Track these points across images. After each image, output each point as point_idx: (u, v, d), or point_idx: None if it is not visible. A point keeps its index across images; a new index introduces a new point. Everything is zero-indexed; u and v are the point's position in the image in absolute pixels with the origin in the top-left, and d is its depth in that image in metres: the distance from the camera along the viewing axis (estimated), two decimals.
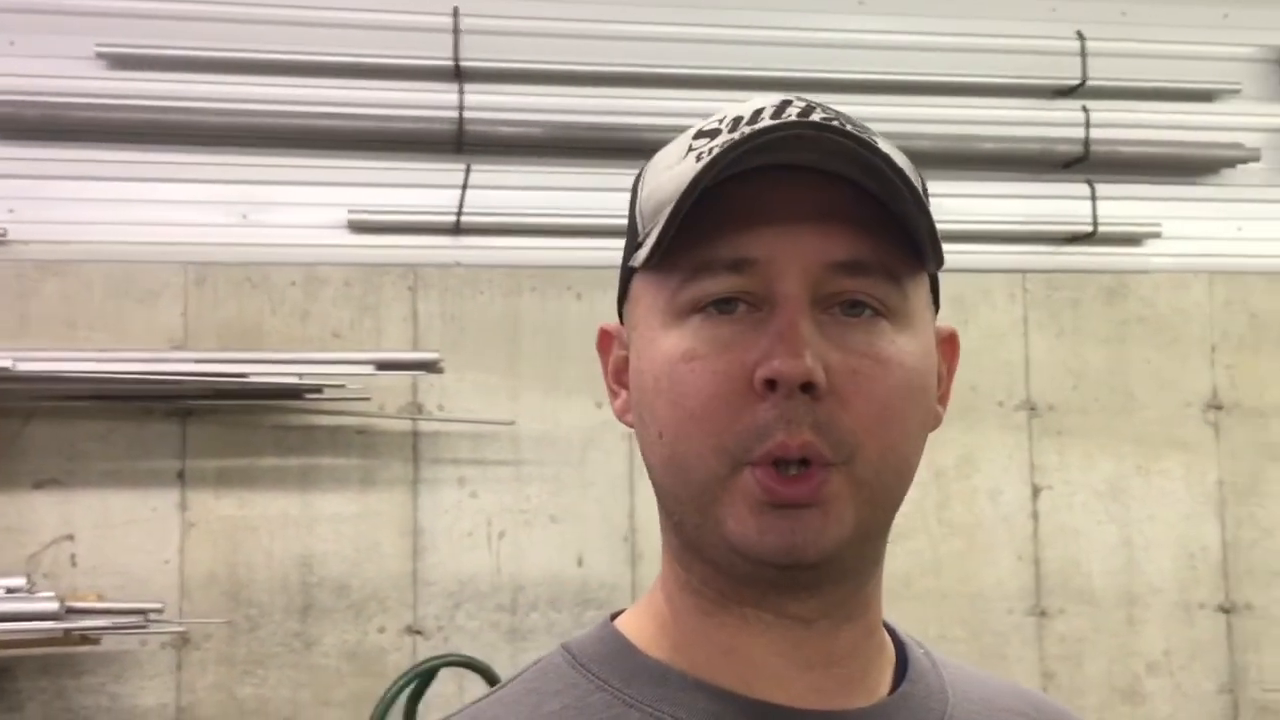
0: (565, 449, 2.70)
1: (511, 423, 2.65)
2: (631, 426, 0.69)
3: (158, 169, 2.64)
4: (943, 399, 0.71)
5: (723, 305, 0.64)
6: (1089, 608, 2.86)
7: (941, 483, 2.82)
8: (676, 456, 0.64)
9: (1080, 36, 2.96)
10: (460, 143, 2.70)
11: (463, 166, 2.72)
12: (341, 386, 2.49)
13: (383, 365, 2.46)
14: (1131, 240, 2.96)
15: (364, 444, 2.64)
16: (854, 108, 2.77)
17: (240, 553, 2.58)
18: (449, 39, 2.73)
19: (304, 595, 2.59)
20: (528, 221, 2.71)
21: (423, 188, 2.71)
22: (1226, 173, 3.02)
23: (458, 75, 2.72)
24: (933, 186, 2.79)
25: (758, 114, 0.65)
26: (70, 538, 2.53)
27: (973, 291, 2.88)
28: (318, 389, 2.48)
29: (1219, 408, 2.96)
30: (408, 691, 2.17)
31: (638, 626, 0.70)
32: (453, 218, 2.69)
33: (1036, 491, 2.87)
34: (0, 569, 2.42)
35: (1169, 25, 3.02)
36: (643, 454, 0.68)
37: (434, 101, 2.71)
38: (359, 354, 2.50)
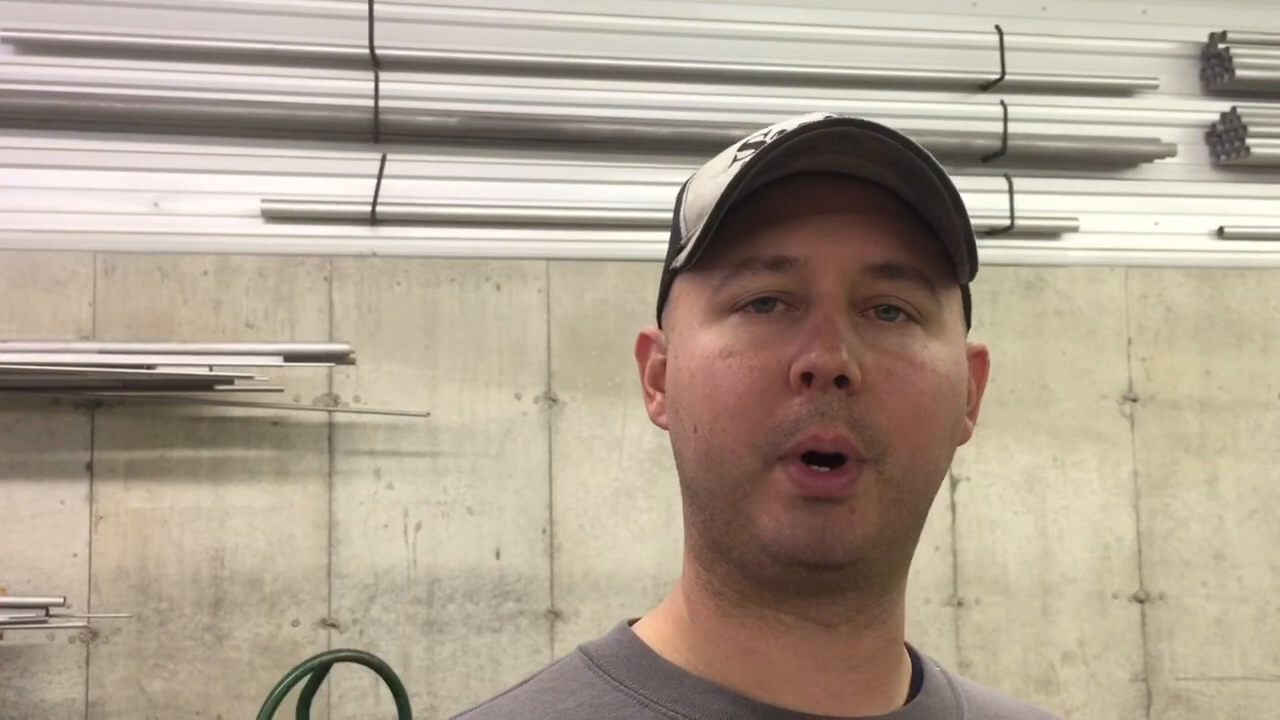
0: (483, 440, 2.68)
1: (427, 414, 2.64)
2: (665, 428, 0.70)
3: (66, 156, 2.60)
4: (972, 414, 0.73)
5: (761, 305, 0.65)
6: (1004, 598, 2.89)
7: None
8: (711, 451, 0.65)
9: (999, 31, 2.98)
10: (376, 132, 2.68)
11: (378, 156, 2.69)
12: (250, 378, 2.46)
13: (292, 357, 2.43)
14: (1049, 234, 2.98)
15: (278, 436, 2.61)
16: (769, 100, 2.78)
17: (150, 546, 2.54)
18: (364, 26, 2.70)
19: (216, 589, 2.56)
20: (445, 212, 2.70)
21: (338, 177, 2.68)
22: (1144, 167, 3.05)
23: (374, 63, 2.69)
24: None
25: (804, 128, 0.66)
26: None
27: None
28: (228, 380, 2.45)
29: (1134, 400, 2.99)
30: (301, 687, 2.15)
31: (655, 630, 0.71)
32: (368, 208, 2.66)
33: (954, 483, 2.89)
34: None
35: (1088, 20, 3.05)
36: (676, 451, 0.69)
37: (349, 90, 2.68)
38: (268, 345, 2.47)
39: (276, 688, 2.06)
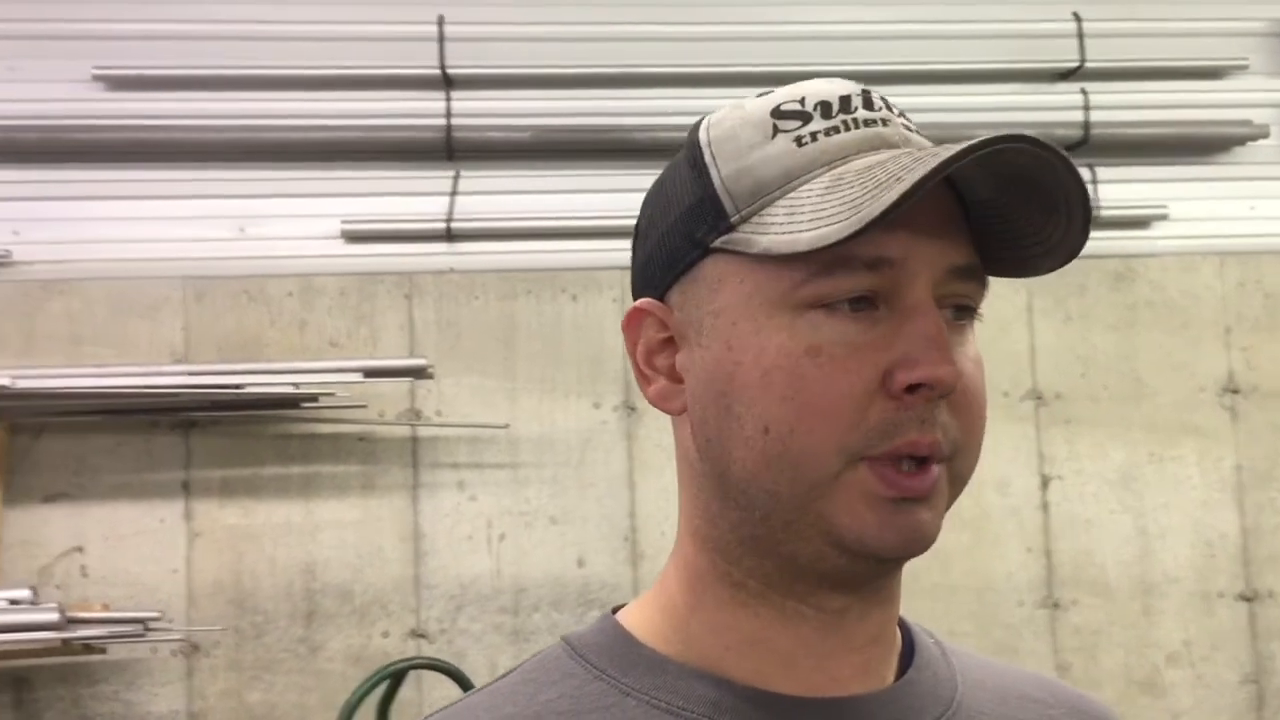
0: (564, 450, 2.70)
1: (506, 426, 2.67)
2: (674, 414, 0.68)
3: (156, 186, 2.70)
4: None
5: (849, 304, 0.63)
6: (1103, 599, 2.80)
7: None
8: (789, 453, 0.63)
9: (1077, 18, 2.91)
10: (450, 149, 2.72)
11: (452, 173, 2.74)
12: (333, 395, 2.52)
13: (372, 373, 2.48)
14: (1138, 223, 2.90)
15: (364, 451, 2.67)
16: None
17: (245, 561, 2.62)
18: (435, 47, 2.75)
19: (308, 601, 2.63)
20: (520, 225, 2.73)
21: (415, 195, 2.74)
22: (1236, 151, 2.95)
23: (445, 83, 2.74)
24: None
25: (846, 101, 0.65)
26: (80, 549, 2.59)
27: None
28: (313, 398, 2.51)
29: (1235, 391, 2.88)
30: (379, 693, 2.19)
31: (641, 619, 0.70)
32: (444, 225, 2.71)
33: (1046, 482, 2.82)
34: (13, 581, 2.49)
35: (1170, 2, 2.96)
36: (717, 448, 0.65)
37: (422, 110, 2.74)
38: (349, 362, 2.53)
39: (353, 695, 2.11)
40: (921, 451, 0.62)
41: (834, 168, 0.64)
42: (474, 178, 2.76)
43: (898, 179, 0.60)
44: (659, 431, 2.73)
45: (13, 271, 2.63)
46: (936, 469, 0.63)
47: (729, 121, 0.67)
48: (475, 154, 2.75)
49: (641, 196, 0.71)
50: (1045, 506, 2.82)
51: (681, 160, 0.69)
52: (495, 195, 2.76)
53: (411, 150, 2.72)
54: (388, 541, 2.66)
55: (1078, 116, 2.87)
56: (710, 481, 0.67)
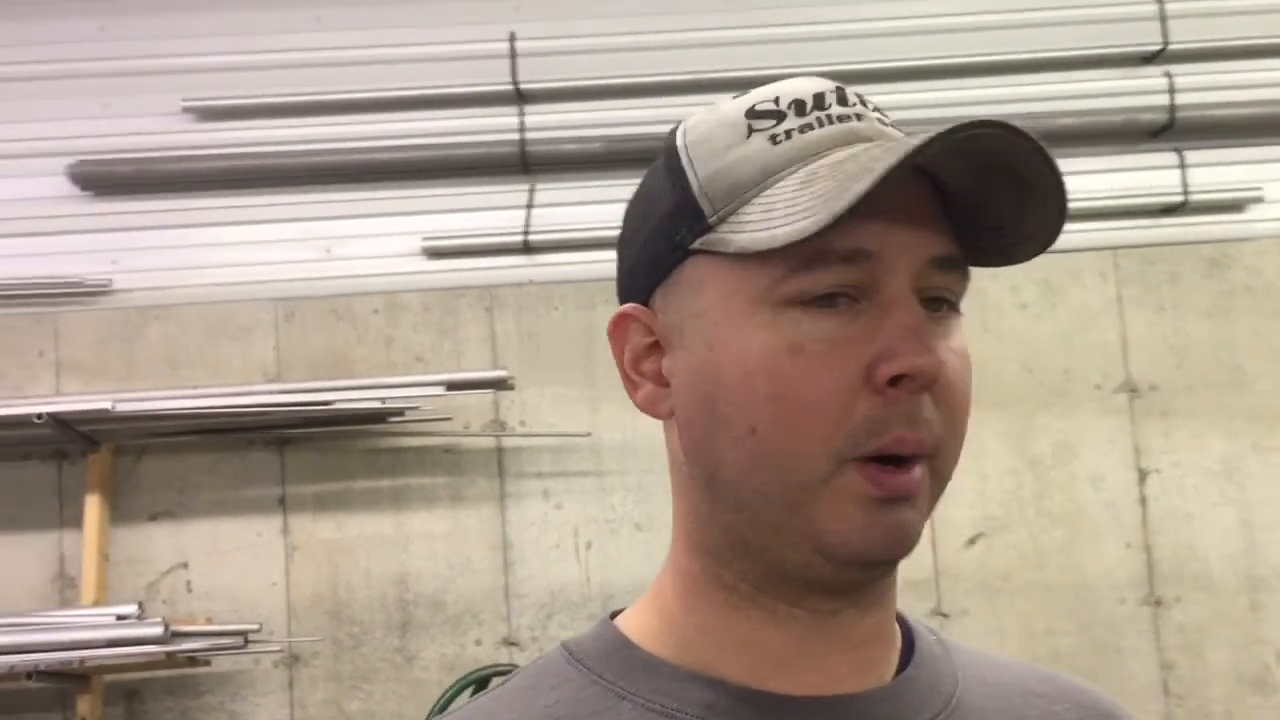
0: (646, 457, 2.72)
1: (588, 434, 2.69)
2: (662, 418, 0.68)
3: (245, 212, 2.79)
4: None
5: (826, 299, 0.62)
6: (1208, 595, 2.72)
7: (1038, 471, 2.73)
8: (775, 454, 0.62)
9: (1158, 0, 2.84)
10: (525, 163, 2.76)
11: (528, 186, 2.78)
12: (418, 408, 2.57)
13: (455, 385, 2.53)
14: (1231, 207, 2.81)
15: (451, 462, 2.72)
16: (925, 94, 2.75)
17: (340, 573, 2.68)
18: (507, 63, 2.80)
19: (402, 612, 2.68)
20: (595, 235, 2.75)
21: (492, 210, 2.79)
22: None
23: (518, 98, 2.78)
24: None
25: (820, 99, 0.65)
26: (185, 565, 2.68)
27: (1060, 273, 2.79)
28: (399, 412, 2.56)
29: None
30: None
31: (638, 623, 0.70)
32: (522, 237, 2.75)
33: (1143, 476, 2.75)
34: (122, 598, 2.59)
35: None
36: (706, 451, 0.65)
37: (497, 125, 2.78)
38: (432, 376, 2.58)
39: (439, 700, 2.14)
40: (908, 449, 0.61)
41: (808, 164, 0.63)
42: (549, 190, 2.79)
43: (868, 170, 0.59)
44: None
45: (113, 300, 2.74)
46: (920, 467, 0.61)
47: (704, 125, 0.67)
48: (550, 167, 2.79)
49: None
50: (1143, 500, 2.74)
51: (660, 166, 0.69)
52: (570, 207, 2.79)
53: (488, 166, 2.77)
54: (476, 551, 2.70)
55: (1163, 100, 2.79)
56: (700, 485, 0.66)
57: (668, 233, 0.67)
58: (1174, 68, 2.82)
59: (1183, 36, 2.83)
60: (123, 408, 2.41)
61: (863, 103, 0.67)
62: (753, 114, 0.65)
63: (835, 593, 0.65)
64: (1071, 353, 2.77)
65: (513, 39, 2.80)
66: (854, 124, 0.65)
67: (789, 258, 0.62)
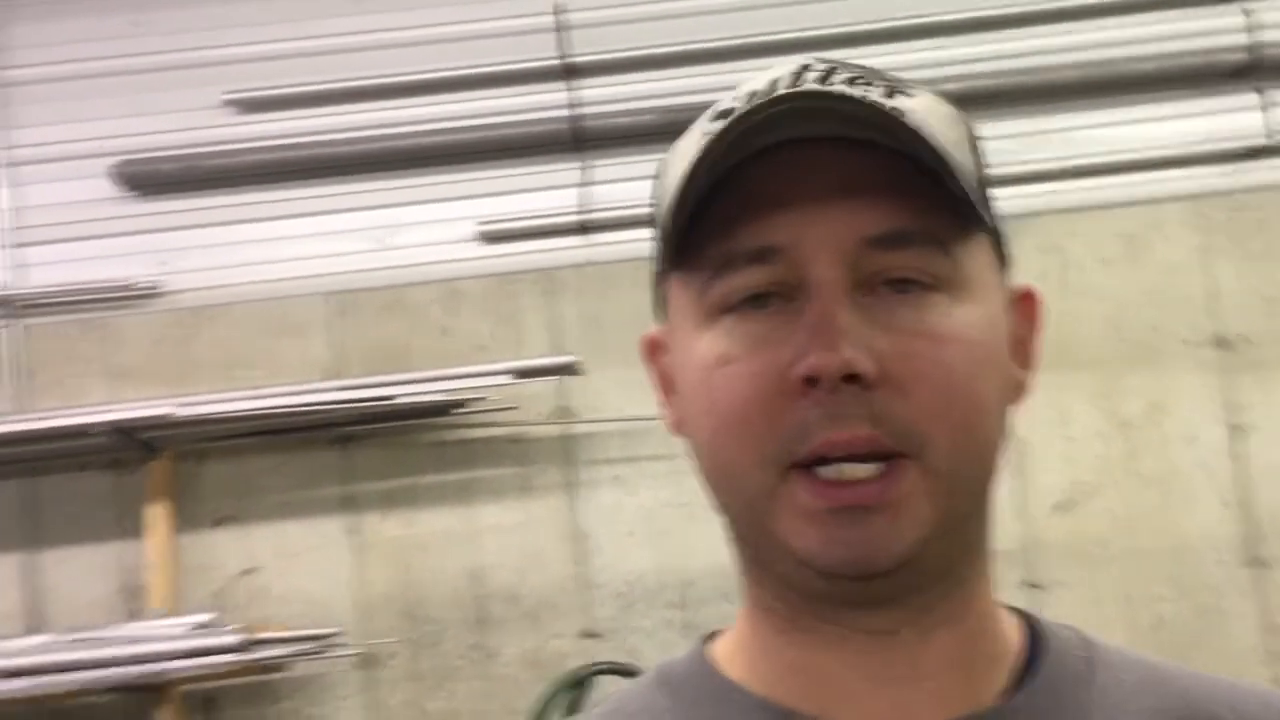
0: None
1: (658, 418, 2.60)
2: (683, 438, 0.66)
3: (293, 205, 2.71)
4: (1026, 363, 0.65)
5: (755, 301, 0.59)
6: None
7: (1127, 434, 2.63)
8: (720, 468, 0.61)
9: None
10: (576, 140, 2.67)
11: (580, 164, 2.68)
12: (484, 399, 2.49)
13: (522, 373, 2.45)
14: None
15: (518, 453, 2.64)
16: (990, 45, 2.61)
17: (412, 571, 2.61)
18: (553, 38, 2.70)
19: (478, 608, 2.61)
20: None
21: (546, 190, 2.69)
22: None
23: (566, 73, 2.68)
24: (1085, 117, 2.54)
25: (774, 84, 0.60)
26: (253, 570, 2.62)
27: (1142, 225, 2.67)
28: (463, 403, 2.49)
29: None
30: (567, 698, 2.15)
31: (724, 645, 0.68)
32: (578, 217, 2.66)
33: (1237, 431, 2.63)
34: (192, 606, 2.53)
35: None
36: (696, 464, 0.64)
37: (546, 103, 2.69)
38: (497, 365, 2.50)
39: (537, 704, 2.07)
40: (839, 452, 0.56)
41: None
42: (603, 166, 2.70)
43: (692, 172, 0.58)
44: None
45: (164, 302, 2.67)
46: (896, 470, 0.57)
47: (680, 141, 0.65)
48: (603, 142, 2.69)
49: None
50: (1239, 457, 2.63)
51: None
52: (626, 183, 2.69)
53: (539, 144, 2.68)
54: (550, 543, 2.62)
55: (1241, 39, 2.66)
56: (716, 502, 0.64)
57: (656, 258, 0.66)
58: (1251, 4, 2.68)
59: None
60: (183, 412, 2.34)
61: (862, 80, 0.60)
62: (715, 115, 0.62)
63: (858, 605, 0.60)
64: (1158, 307, 2.65)
65: (558, 11, 2.70)
66: (809, 103, 0.58)
67: (708, 264, 0.60)
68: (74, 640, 2.33)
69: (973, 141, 0.62)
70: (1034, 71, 2.65)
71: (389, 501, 2.63)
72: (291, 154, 2.69)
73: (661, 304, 0.67)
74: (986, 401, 0.60)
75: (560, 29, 2.69)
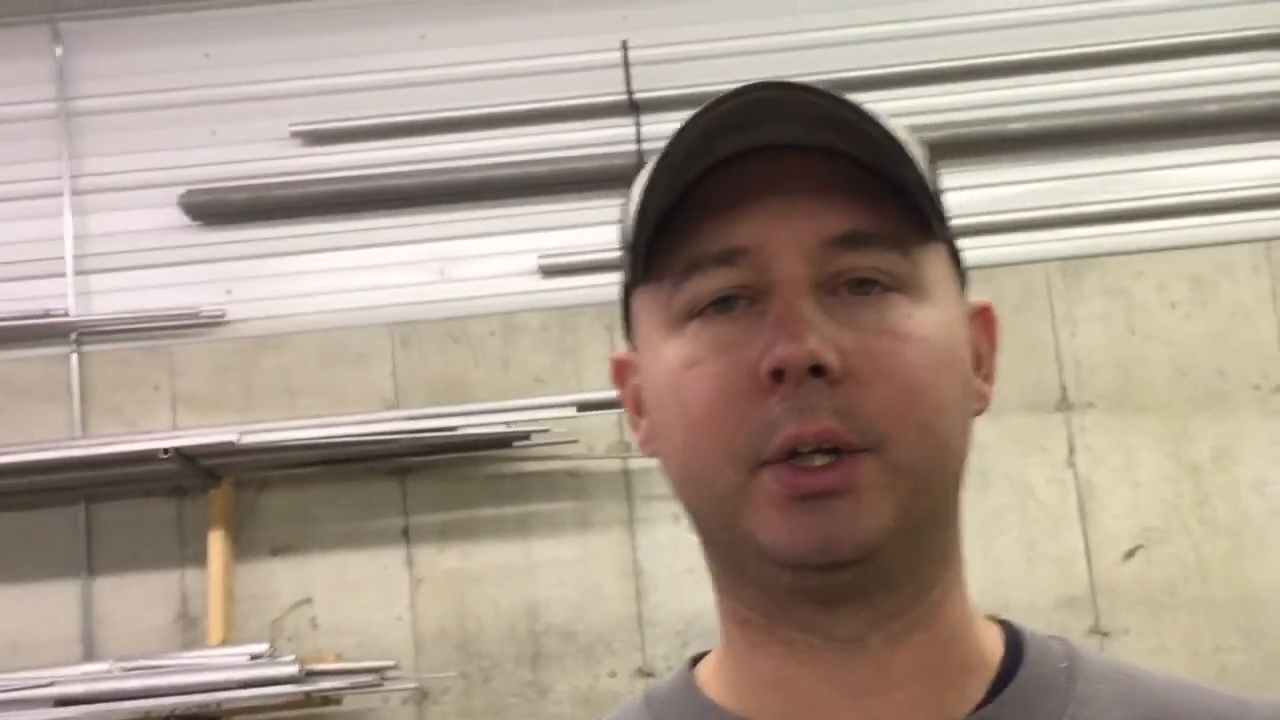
0: None
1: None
2: (655, 456, 0.66)
3: (357, 236, 2.72)
4: (988, 377, 0.67)
5: (721, 304, 0.61)
6: None
7: (1197, 479, 2.58)
8: (692, 469, 0.61)
9: None
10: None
11: None
12: (547, 431, 2.48)
13: (585, 406, 2.44)
14: None
15: (577, 487, 2.62)
16: (1060, 86, 2.60)
17: (468, 605, 2.59)
18: (620, 73, 2.71)
19: (533, 643, 2.58)
20: None
21: (608, 225, 2.68)
22: None
23: (632, 108, 2.69)
24: (1152, 159, 2.52)
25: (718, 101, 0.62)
26: (309, 601, 2.60)
27: (1211, 268, 2.64)
28: (525, 435, 2.48)
29: None
30: None
31: (707, 667, 0.69)
32: None
33: None
34: (247, 635, 2.52)
35: None
36: (670, 481, 0.64)
37: (611, 138, 2.70)
38: (560, 397, 2.49)
39: None
40: (809, 443, 0.58)
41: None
42: None
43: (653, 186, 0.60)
44: None
45: (229, 330, 2.68)
46: (852, 461, 0.58)
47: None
48: None
49: None
50: None
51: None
52: None
53: (604, 179, 2.68)
54: (607, 579, 2.60)
55: None
56: (686, 513, 0.65)
57: (623, 276, 0.67)
58: None
59: None
60: (248, 439, 2.34)
61: (772, 94, 0.60)
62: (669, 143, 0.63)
63: (827, 603, 0.60)
64: (1226, 352, 2.61)
65: (625, 48, 2.71)
66: (730, 104, 0.59)
67: (673, 271, 0.61)
68: (130, 669, 2.32)
69: (930, 160, 0.63)
70: (1103, 112, 2.64)
71: (446, 534, 2.61)
72: (356, 186, 2.71)
73: (628, 324, 0.68)
74: (948, 403, 0.60)
75: (627, 65, 2.71)
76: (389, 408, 2.62)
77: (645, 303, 0.64)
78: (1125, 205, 2.62)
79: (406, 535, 2.61)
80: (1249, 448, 2.59)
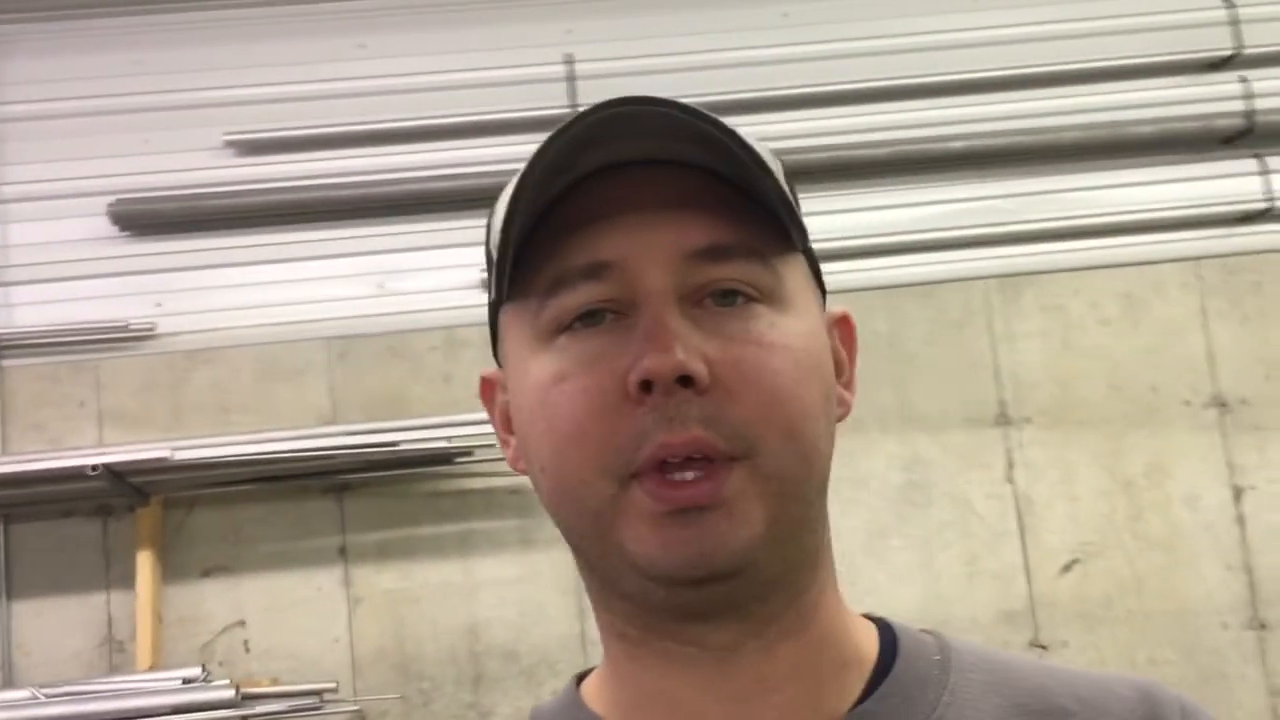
0: None
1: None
2: (524, 474, 0.66)
3: (294, 249, 2.66)
4: (848, 385, 0.68)
5: (588, 318, 0.61)
6: None
7: (1131, 493, 2.62)
8: (562, 486, 0.61)
9: (1229, 3, 2.77)
10: None
11: None
12: (491, 447, 2.44)
13: None
14: None
15: (518, 504, 2.58)
16: (997, 106, 2.63)
17: (407, 625, 2.53)
18: (564, 86, 2.69)
19: (474, 665, 2.53)
20: None
21: None
22: None
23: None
24: (1086, 179, 2.58)
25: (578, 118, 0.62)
26: (242, 624, 2.52)
27: (1142, 286, 2.69)
28: (467, 452, 2.43)
29: None
30: None
31: (592, 680, 0.70)
32: None
33: (1239, 493, 2.64)
34: (176, 660, 2.43)
35: None
36: (539, 494, 0.64)
37: None
38: None
39: None
40: (677, 452, 0.58)
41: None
42: None
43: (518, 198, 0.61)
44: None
45: (158, 344, 2.60)
46: (722, 472, 0.58)
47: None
48: None
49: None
50: (1241, 520, 2.63)
51: None
52: None
53: None
54: (550, 597, 2.56)
55: (1238, 106, 2.72)
56: (560, 529, 0.64)
57: (491, 293, 0.67)
58: (1249, 72, 2.74)
59: (1256, 41, 2.76)
60: (181, 455, 2.27)
61: (629, 110, 0.60)
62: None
63: (703, 617, 0.61)
64: (1158, 368, 2.67)
65: (570, 61, 2.70)
66: (592, 120, 0.60)
67: (539, 287, 0.61)
68: (55, 694, 2.22)
69: (786, 173, 0.64)
70: (1036, 132, 2.68)
71: (385, 553, 2.55)
72: (292, 197, 2.64)
73: (496, 342, 0.68)
74: (813, 409, 0.61)
75: (571, 78, 2.69)
76: (326, 424, 2.56)
77: (511, 320, 0.64)
78: (1061, 224, 2.67)
79: (344, 554, 2.55)
80: (1180, 462, 2.64)
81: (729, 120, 0.60)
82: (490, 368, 0.72)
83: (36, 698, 2.17)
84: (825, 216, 2.53)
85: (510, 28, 2.72)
